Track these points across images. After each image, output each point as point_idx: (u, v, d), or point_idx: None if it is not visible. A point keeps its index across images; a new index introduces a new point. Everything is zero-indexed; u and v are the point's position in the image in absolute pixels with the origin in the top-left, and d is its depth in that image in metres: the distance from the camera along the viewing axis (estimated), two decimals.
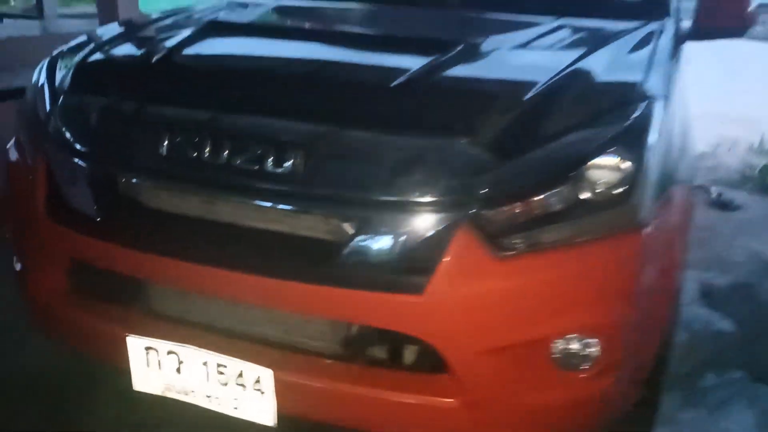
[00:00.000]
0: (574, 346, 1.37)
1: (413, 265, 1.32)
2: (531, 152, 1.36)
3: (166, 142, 1.46)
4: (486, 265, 1.31)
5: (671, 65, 1.84)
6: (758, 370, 2.42)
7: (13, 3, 11.86)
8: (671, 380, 2.27)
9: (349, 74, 1.67)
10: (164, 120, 1.51)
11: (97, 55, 1.81)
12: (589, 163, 1.35)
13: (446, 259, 1.30)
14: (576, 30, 1.97)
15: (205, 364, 1.47)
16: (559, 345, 1.37)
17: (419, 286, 1.30)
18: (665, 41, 1.97)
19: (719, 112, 6.70)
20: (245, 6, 2.36)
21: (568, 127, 1.40)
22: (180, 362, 1.49)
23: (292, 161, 1.37)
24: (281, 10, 2.31)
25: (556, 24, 2.00)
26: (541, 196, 1.34)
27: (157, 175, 1.50)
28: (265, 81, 1.60)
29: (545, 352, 1.37)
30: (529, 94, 1.43)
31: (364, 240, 1.34)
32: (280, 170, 1.37)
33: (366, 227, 1.34)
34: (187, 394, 1.53)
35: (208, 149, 1.42)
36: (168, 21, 2.15)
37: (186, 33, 1.84)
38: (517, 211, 1.33)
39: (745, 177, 4.72)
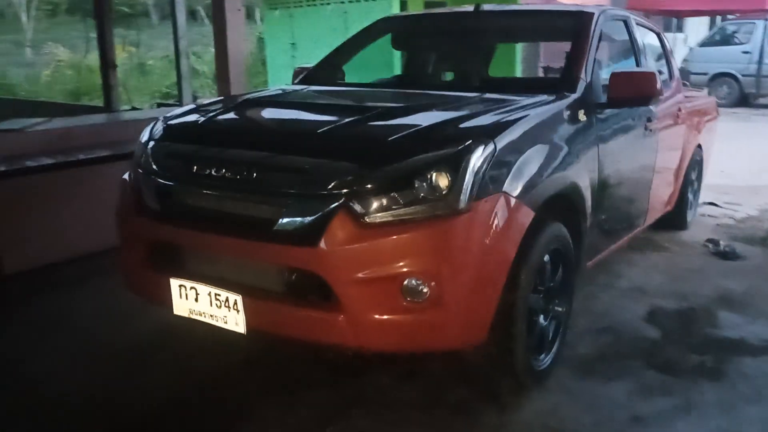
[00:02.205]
0: (414, 283, 2.24)
1: (313, 229, 2.27)
2: (389, 167, 2.29)
3: (195, 166, 2.56)
4: (355, 230, 2.24)
5: (544, 122, 2.71)
6: (657, 363, 3.02)
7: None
8: (576, 361, 3.00)
9: (297, 126, 2.74)
10: (194, 153, 2.62)
11: (174, 120, 2.98)
12: (424, 174, 2.26)
13: (331, 225, 2.24)
14: (483, 101, 2.89)
15: (209, 294, 2.48)
16: (405, 282, 2.24)
17: (316, 241, 2.25)
18: (551, 107, 2.84)
19: None
20: (283, 89, 3.51)
21: (417, 152, 2.32)
22: (197, 294, 2.52)
23: (255, 173, 2.40)
24: (293, 91, 3.46)
25: (473, 96, 2.94)
26: (393, 193, 2.26)
27: (188, 184, 2.60)
28: (247, 130, 2.73)
29: (397, 286, 2.24)
30: (394, 136, 2.39)
31: (289, 216, 2.32)
32: (249, 178, 2.41)
33: (291, 209, 2.33)
34: (201, 315, 2.54)
35: (214, 169, 2.49)
36: (231, 98, 3.32)
37: (230, 105, 2.99)
38: (376, 200, 2.26)
39: None
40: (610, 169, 3.28)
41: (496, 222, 2.35)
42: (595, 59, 3.29)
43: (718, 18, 18.44)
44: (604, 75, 3.38)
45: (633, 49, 3.99)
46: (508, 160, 2.44)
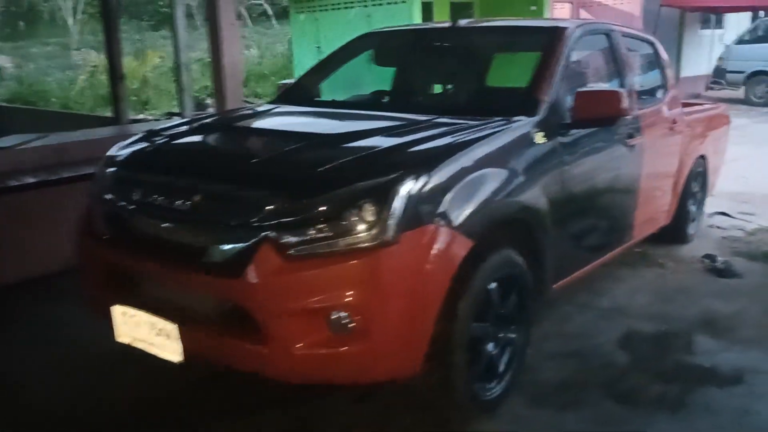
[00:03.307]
0: (340, 316, 2.22)
1: (239, 261, 2.27)
2: (313, 199, 2.27)
3: (139, 191, 2.59)
4: (280, 262, 2.23)
5: (492, 149, 2.65)
6: (618, 392, 2.93)
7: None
8: (534, 388, 2.93)
9: (237, 154, 2.75)
10: (138, 180, 2.65)
11: (126, 146, 2.99)
12: (352, 205, 2.24)
13: (256, 257, 2.24)
14: (433, 125, 2.84)
15: (147, 323, 2.51)
16: (331, 315, 2.22)
17: (240, 272, 2.25)
18: (504, 132, 2.79)
19: None
20: (253, 110, 3.53)
21: (346, 183, 2.30)
22: (137, 322, 2.55)
23: (188, 201, 2.41)
24: (260, 112, 3.48)
25: (424, 120, 2.90)
26: (319, 224, 2.24)
27: (131, 211, 2.63)
28: (189, 158, 2.76)
29: (322, 319, 2.23)
30: (323, 167, 2.37)
31: (218, 246, 2.33)
32: (182, 206, 2.42)
33: (219, 239, 2.34)
34: (141, 342, 2.57)
35: (153, 196, 2.51)
36: (191, 121, 3.36)
37: (185, 129, 3.02)
38: (302, 232, 2.24)
39: None
40: (577, 189, 3.20)
41: (426, 253, 2.31)
42: (561, 78, 3.21)
43: (762, 13, 17.82)
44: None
45: (615, 64, 3.87)
46: (442, 190, 2.39)
